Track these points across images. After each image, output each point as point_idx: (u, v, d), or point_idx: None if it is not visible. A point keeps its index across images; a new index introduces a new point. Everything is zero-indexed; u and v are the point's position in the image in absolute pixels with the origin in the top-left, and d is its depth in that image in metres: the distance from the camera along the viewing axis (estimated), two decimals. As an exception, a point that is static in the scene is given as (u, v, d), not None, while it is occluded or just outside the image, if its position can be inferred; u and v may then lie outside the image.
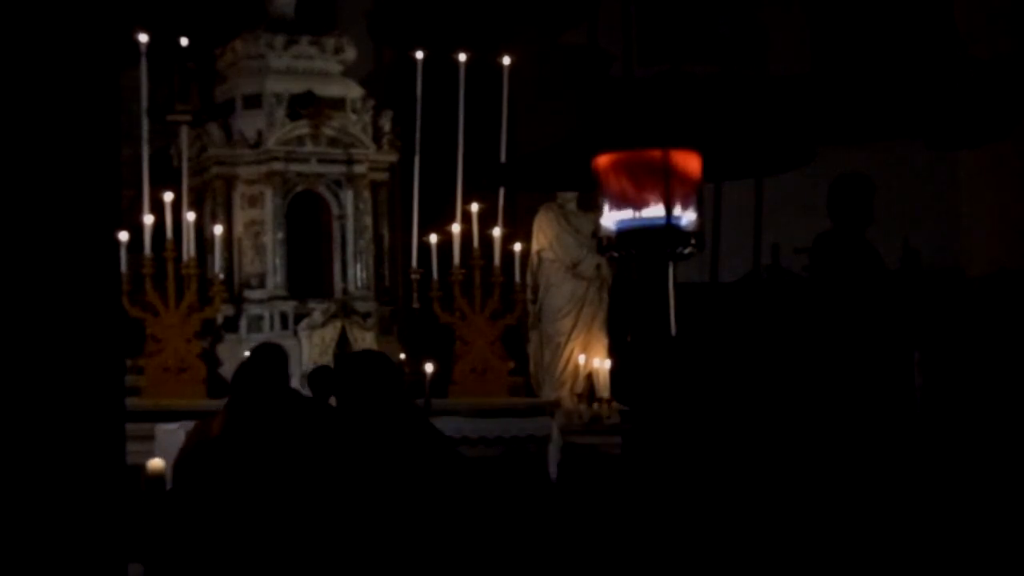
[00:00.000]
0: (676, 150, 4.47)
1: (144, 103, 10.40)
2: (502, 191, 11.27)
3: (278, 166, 11.07)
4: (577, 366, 11.60)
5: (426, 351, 10.86)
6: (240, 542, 4.42)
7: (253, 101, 11.21)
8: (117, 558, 3.24)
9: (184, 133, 10.91)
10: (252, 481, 4.68)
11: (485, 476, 7.59)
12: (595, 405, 11.35)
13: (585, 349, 11.63)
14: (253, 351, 6.93)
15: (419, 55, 11.22)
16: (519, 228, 11.76)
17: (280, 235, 11.10)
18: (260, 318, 11.06)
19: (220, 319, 10.98)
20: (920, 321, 7.28)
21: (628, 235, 4.49)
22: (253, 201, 11.15)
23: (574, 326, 11.68)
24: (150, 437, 9.66)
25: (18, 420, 3.11)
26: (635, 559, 4.61)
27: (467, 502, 4.79)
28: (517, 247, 11.41)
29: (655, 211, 4.43)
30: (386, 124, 11.40)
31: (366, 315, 11.06)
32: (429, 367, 10.27)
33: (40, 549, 3.11)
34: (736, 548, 6.21)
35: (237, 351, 10.76)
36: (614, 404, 11.33)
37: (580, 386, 11.55)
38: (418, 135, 11.13)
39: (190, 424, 9.89)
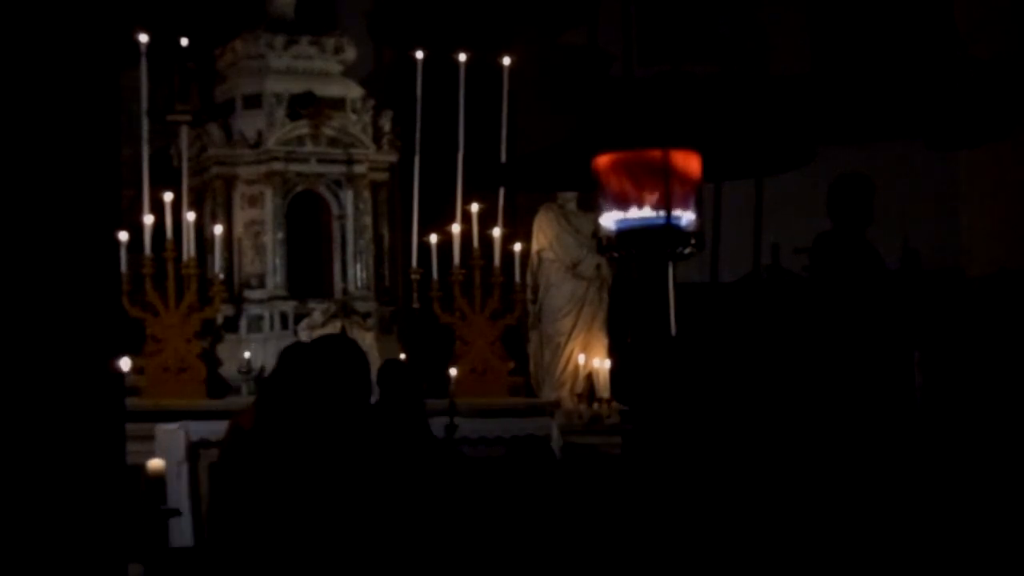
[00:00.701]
0: (676, 150, 4.47)
1: (144, 103, 10.39)
2: (502, 191, 11.27)
3: (278, 166, 11.07)
4: (577, 366, 11.60)
5: (426, 351, 10.86)
6: (270, 533, 4.38)
7: (253, 101, 11.21)
8: (117, 558, 3.24)
9: (184, 133, 10.90)
10: (282, 475, 4.64)
11: (482, 476, 7.58)
12: (595, 405, 11.35)
13: (585, 349, 11.63)
14: (283, 351, 7.02)
15: (419, 55, 11.22)
16: (519, 228, 11.76)
17: (280, 235, 11.10)
18: (260, 318, 11.06)
19: (220, 319, 10.98)
20: (920, 321, 7.28)
21: (628, 235, 4.49)
22: (253, 201, 11.15)
23: (574, 326, 11.67)
24: (150, 437, 9.66)
25: (18, 420, 3.11)
26: (635, 559, 4.60)
27: (450, 502, 4.73)
28: (517, 247, 11.41)
29: (655, 211, 4.43)
30: (386, 124, 11.40)
31: (366, 315, 11.06)
32: (453, 371, 10.29)
33: (40, 549, 3.11)
34: (736, 548, 6.21)
35: (237, 351, 10.77)
36: (614, 404, 11.33)
37: (580, 386, 11.54)
38: (418, 135, 11.12)
39: (190, 424, 9.94)
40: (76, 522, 3.13)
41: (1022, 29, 9.80)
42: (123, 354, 4.17)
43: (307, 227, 11.31)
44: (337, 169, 11.22)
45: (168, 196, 10.47)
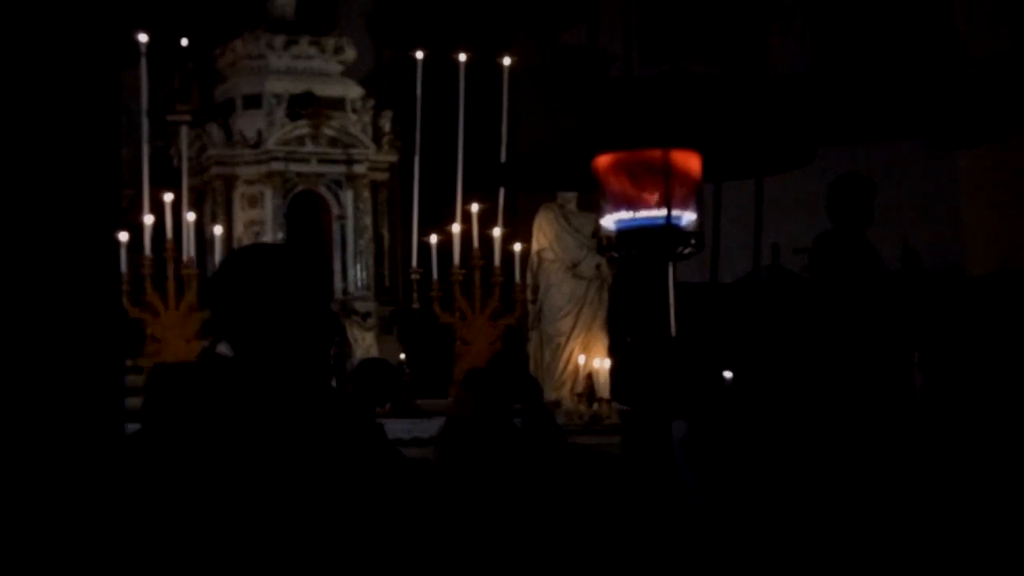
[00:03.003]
0: (676, 150, 4.47)
1: (144, 103, 10.39)
2: (502, 191, 11.26)
3: (278, 166, 11.07)
4: (577, 366, 11.60)
5: (427, 351, 10.86)
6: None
7: (253, 101, 11.21)
8: (116, 558, 3.24)
9: (184, 133, 10.90)
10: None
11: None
12: (595, 405, 11.35)
13: (585, 349, 11.63)
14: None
15: (419, 55, 11.22)
16: (519, 228, 11.76)
17: (280, 235, 11.10)
18: (260, 318, 11.05)
19: (220, 319, 10.96)
20: (920, 321, 7.28)
21: (628, 235, 4.49)
22: (253, 201, 11.15)
23: (574, 326, 11.67)
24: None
25: (18, 420, 3.11)
26: (635, 560, 4.60)
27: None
28: (517, 247, 11.40)
29: (655, 211, 4.43)
30: (386, 124, 11.41)
31: (366, 315, 11.06)
32: (728, 374, 10.21)
33: (39, 550, 3.11)
34: (736, 548, 6.21)
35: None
36: (614, 404, 11.33)
37: (580, 386, 11.54)
38: (418, 135, 11.12)
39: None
40: (75, 522, 3.13)
41: (1022, 29, 9.80)
42: (123, 354, 4.15)
43: (307, 227, 11.31)
44: (337, 169, 11.22)
45: (168, 196, 10.46)
